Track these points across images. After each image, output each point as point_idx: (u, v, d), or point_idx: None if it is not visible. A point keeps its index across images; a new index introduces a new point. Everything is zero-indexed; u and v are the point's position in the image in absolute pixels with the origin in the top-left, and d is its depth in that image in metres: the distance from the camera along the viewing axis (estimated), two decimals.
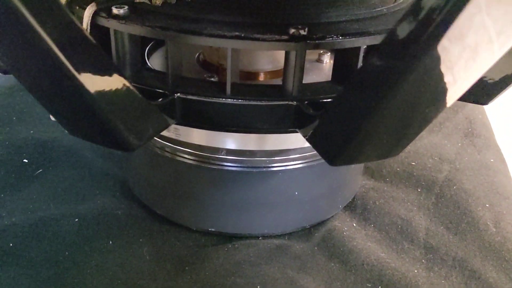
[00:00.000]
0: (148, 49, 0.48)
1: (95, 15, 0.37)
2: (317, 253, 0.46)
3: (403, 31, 0.26)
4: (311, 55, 0.50)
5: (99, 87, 0.29)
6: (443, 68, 0.26)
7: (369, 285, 0.43)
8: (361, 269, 0.44)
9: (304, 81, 0.44)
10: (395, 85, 0.27)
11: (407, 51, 0.26)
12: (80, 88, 0.29)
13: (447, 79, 0.27)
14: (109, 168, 0.56)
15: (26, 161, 0.57)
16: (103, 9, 0.37)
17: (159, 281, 0.43)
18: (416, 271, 0.44)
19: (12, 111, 0.67)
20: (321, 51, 0.50)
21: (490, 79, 0.42)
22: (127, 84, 0.31)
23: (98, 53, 0.29)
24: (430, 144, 0.62)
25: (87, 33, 0.28)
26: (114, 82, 0.30)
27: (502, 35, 0.25)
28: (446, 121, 0.67)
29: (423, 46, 0.25)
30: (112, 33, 0.37)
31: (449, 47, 0.25)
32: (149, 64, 0.45)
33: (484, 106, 0.73)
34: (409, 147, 0.61)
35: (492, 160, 0.60)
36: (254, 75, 0.46)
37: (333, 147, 0.33)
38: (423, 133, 0.65)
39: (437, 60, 0.26)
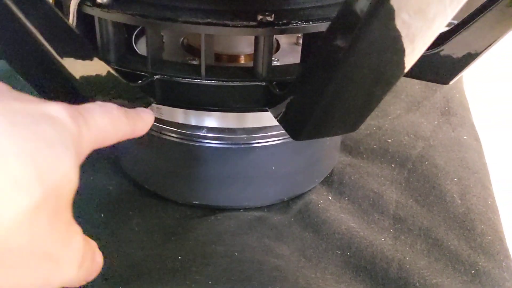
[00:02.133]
0: (136, 34, 0.51)
1: (81, 3, 0.40)
2: (293, 224, 0.50)
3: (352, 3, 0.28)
4: (290, 38, 0.53)
5: (81, 70, 0.33)
6: (404, 40, 0.29)
7: (339, 252, 0.46)
8: (332, 237, 0.48)
9: (281, 63, 0.48)
10: (345, 59, 0.30)
11: (357, 23, 0.27)
12: (64, 71, 0.32)
13: (407, 50, 0.30)
14: (101, 147, 0.59)
15: None
16: None
17: (146, 249, 0.47)
18: (383, 239, 0.48)
19: None
20: (299, 35, 0.53)
21: (454, 56, 0.45)
22: (107, 67, 0.35)
23: (78, 39, 0.33)
24: (407, 123, 0.66)
25: (67, 20, 0.32)
26: (95, 66, 0.34)
27: (454, 1, 0.28)
28: (424, 100, 0.70)
29: (371, 15, 0.27)
30: (96, 20, 0.40)
31: (408, 21, 0.27)
32: (136, 48, 0.48)
33: (464, 85, 0.76)
34: (387, 125, 0.65)
35: (465, 137, 0.63)
36: (235, 57, 0.49)
37: (296, 123, 0.37)
38: (402, 112, 0.68)
39: (387, 29, 0.28)
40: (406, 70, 0.32)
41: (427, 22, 0.28)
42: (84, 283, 0.29)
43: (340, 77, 0.31)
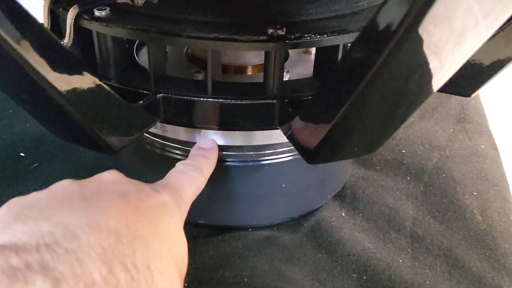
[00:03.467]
0: (138, 44, 0.48)
1: (77, 17, 0.37)
2: (305, 244, 0.47)
3: (382, 19, 0.25)
4: None
5: (71, 88, 0.30)
6: (428, 54, 0.26)
7: (355, 276, 0.44)
8: (347, 259, 0.45)
9: (291, 74, 0.45)
10: (371, 80, 0.27)
11: (387, 39, 0.25)
12: (52, 90, 0.29)
13: (432, 65, 0.27)
14: (102, 162, 0.57)
15: (23, 155, 0.58)
16: (86, 11, 0.37)
17: None
18: (401, 260, 0.45)
19: (8, 104, 0.68)
20: None
21: (478, 66, 0.42)
22: (101, 84, 0.32)
23: (66, 54, 0.30)
24: (421, 131, 0.63)
25: (53, 35, 0.29)
26: (86, 82, 0.31)
27: (489, 17, 0.25)
28: (438, 106, 0.67)
29: (404, 31, 0.24)
30: (94, 35, 0.38)
31: (433, 31, 0.25)
32: (138, 59, 0.45)
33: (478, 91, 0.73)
34: (401, 135, 0.62)
35: (483, 146, 0.61)
36: (242, 69, 0.46)
37: (311, 146, 0.34)
38: (415, 120, 0.65)
39: (419, 46, 0.25)
40: (434, 91, 0.29)
41: (454, 35, 0.25)
42: None
43: (363, 97, 0.28)
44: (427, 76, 0.28)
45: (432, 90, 0.29)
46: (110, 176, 0.33)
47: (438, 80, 0.28)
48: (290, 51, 0.49)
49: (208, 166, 0.40)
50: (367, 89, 0.27)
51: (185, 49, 0.49)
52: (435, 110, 0.67)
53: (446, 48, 0.26)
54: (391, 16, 0.24)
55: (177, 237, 0.31)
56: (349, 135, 0.32)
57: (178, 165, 0.39)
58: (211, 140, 0.42)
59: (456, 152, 0.59)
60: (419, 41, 0.25)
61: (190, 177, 0.37)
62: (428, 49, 0.26)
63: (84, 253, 0.24)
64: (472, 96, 0.43)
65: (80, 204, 0.28)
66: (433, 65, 0.27)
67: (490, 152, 0.60)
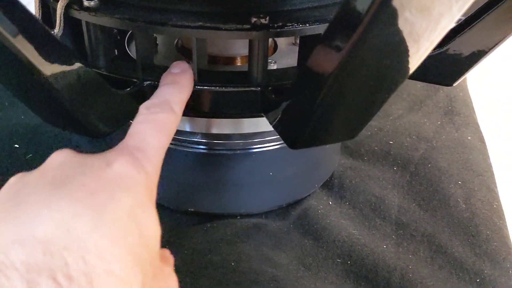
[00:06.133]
0: (129, 35, 0.49)
1: (67, 7, 0.38)
2: (292, 231, 0.48)
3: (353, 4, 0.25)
4: (288, 39, 0.51)
5: (62, 78, 0.31)
6: (405, 38, 0.27)
7: (339, 261, 0.45)
8: (332, 245, 0.46)
9: (279, 65, 0.46)
10: (344, 64, 0.28)
11: (357, 25, 0.25)
12: (43, 78, 0.30)
13: (408, 49, 0.28)
14: (96, 152, 0.58)
15: (17, 146, 0.59)
16: (75, 1, 0.38)
17: None
18: (385, 246, 0.46)
19: (4, 96, 0.69)
20: None
21: (459, 56, 0.43)
22: (89, 71, 0.33)
23: (55, 42, 0.31)
24: (409, 123, 0.64)
25: (43, 24, 0.30)
26: (75, 70, 0.32)
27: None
28: (427, 99, 0.68)
29: (372, 15, 0.25)
30: (84, 24, 0.39)
31: (410, 18, 0.25)
32: (129, 50, 0.46)
33: (467, 83, 0.74)
34: (388, 126, 0.63)
35: (469, 137, 0.62)
36: (231, 60, 0.47)
37: (292, 131, 0.35)
38: (404, 112, 0.66)
39: (390, 30, 0.26)
40: (409, 74, 0.30)
41: (432, 21, 0.26)
42: None
43: (338, 83, 0.30)
44: (401, 60, 0.29)
45: (407, 74, 0.30)
46: (55, 161, 0.29)
47: (412, 64, 0.29)
48: (279, 42, 0.50)
49: (179, 95, 0.35)
50: (341, 74, 0.29)
51: (176, 40, 0.50)
52: (423, 103, 0.68)
53: (425, 34, 0.27)
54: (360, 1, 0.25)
55: (135, 216, 0.26)
56: (328, 120, 0.33)
57: (141, 109, 0.33)
58: (183, 62, 0.37)
59: (443, 143, 0.60)
60: (388, 26, 0.26)
61: (155, 123, 0.32)
62: (409, 38, 0.27)
63: (3, 278, 0.22)
64: (454, 85, 0.44)
65: (8, 215, 0.25)
66: (411, 51, 0.28)
67: (476, 144, 0.61)
